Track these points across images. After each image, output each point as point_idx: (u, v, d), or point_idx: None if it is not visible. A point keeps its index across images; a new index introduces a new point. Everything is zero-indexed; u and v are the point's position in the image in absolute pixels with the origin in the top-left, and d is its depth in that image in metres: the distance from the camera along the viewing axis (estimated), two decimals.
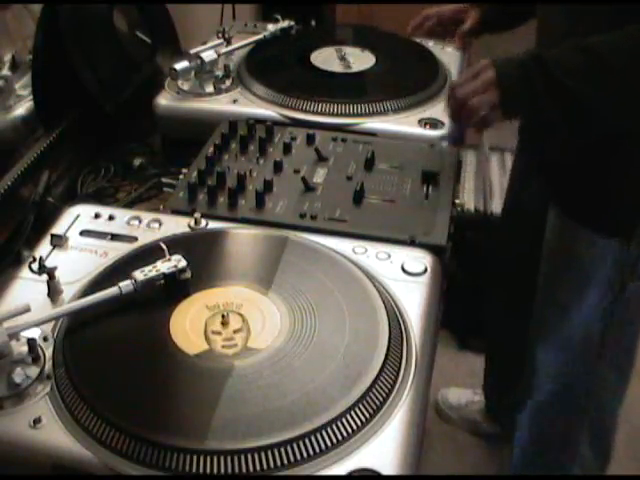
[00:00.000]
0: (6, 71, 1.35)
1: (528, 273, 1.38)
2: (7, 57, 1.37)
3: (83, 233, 0.97)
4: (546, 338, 1.35)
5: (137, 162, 1.29)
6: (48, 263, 0.87)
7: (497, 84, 1.06)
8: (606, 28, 1.01)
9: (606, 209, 1.18)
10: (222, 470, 0.67)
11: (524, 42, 1.42)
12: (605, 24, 1.02)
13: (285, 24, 1.51)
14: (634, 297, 1.24)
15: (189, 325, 0.81)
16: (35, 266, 0.88)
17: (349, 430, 0.70)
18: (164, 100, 1.28)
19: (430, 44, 1.50)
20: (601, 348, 1.29)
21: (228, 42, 1.41)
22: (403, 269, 0.91)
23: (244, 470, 0.67)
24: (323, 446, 0.69)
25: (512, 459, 1.59)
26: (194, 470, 0.67)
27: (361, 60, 1.40)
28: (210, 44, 1.35)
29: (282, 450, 0.68)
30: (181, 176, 1.10)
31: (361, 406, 0.72)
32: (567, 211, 1.24)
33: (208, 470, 0.67)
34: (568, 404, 1.37)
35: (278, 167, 1.11)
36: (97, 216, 1.00)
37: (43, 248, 0.94)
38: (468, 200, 1.87)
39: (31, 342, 0.77)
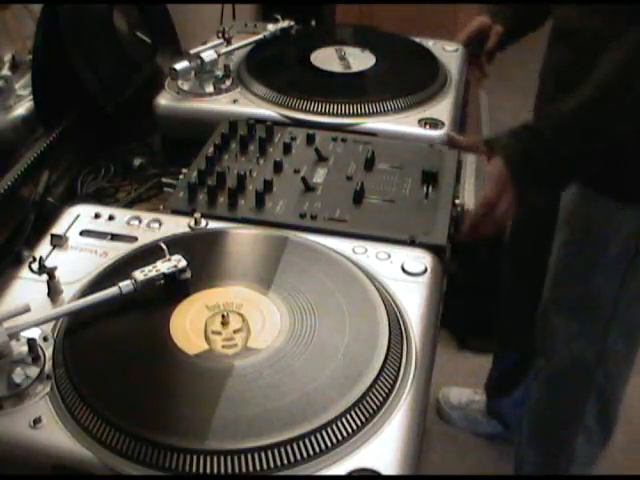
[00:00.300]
0: (6, 71, 1.35)
1: (539, 269, 1.39)
2: (7, 57, 1.37)
3: (83, 233, 0.97)
4: (561, 305, 1.37)
5: (137, 162, 1.28)
6: (48, 263, 0.87)
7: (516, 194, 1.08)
8: (619, 22, 1.01)
9: (624, 176, 1.19)
10: (222, 470, 0.67)
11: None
12: (618, 18, 1.03)
13: (285, 24, 1.51)
14: None
15: (189, 325, 0.81)
16: (35, 266, 0.88)
17: (349, 430, 0.70)
18: (164, 100, 1.28)
19: (430, 44, 1.50)
20: (613, 314, 1.31)
21: (228, 42, 1.41)
22: (403, 269, 0.91)
23: (244, 470, 0.67)
24: (323, 446, 0.69)
25: (519, 433, 1.60)
26: (194, 470, 0.67)
27: (361, 60, 1.40)
28: (210, 44, 1.35)
29: (282, 450, 0.68)
30: (181, 176, 1.10)
31: (361, 406, 0.72)
32: (586, 180, 1.24)
33: (208, 470, 0.67)
34: (578, 372, 1.39)
35: (278, 167, 1.11)
36: (97, 216, 1.00)
37: (43, 248, 0.94)
38: (468, 200, 1.87)
39: (31, 342, 0.77)
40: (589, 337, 1.36)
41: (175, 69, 1.28)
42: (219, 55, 1.33)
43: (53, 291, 0.86)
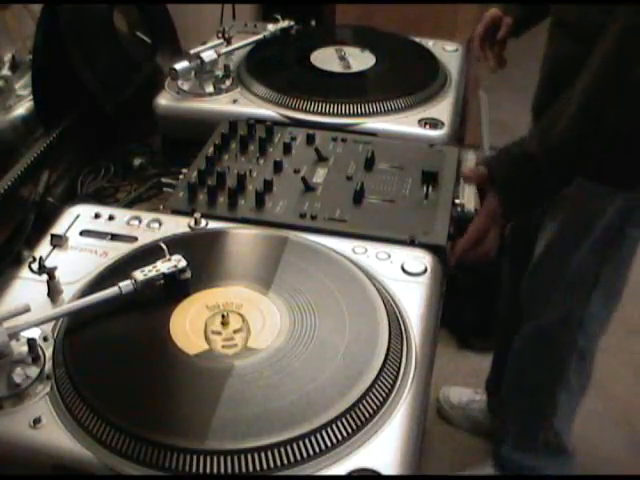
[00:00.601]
0: (6, 71, 1.35)
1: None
2: (7, 57, 1.37)
3: (83, 233, 0.97)
4: (546, 280, 1.43)
5: (137, 162, 1.29)
6: (48, 263, 0.87)
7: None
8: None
9: (611, 163, 1.21)
10: (222, 470, 0.67)
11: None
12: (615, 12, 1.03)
13: (285, 24, 1.51)
14: (628, 240, 1.34)
15: (189, 325, 0.81)
16: (35, 266, 0.88)
17: (349, 430, 0.70)
18: (164, 100, 1.28)
19: (430, 44, 1.50)
20: (594, 285, 1.38)
21: (228, 42, 1.41)
22: (403, 269, 0.91)
23: (244, 470, 0.67)
24: (323, 446, 0.69)
25: (503, 385, 1.64)
26: (194, 470, 0.67)
27: (361, 60, 1.40)
28: (210, 44, 1.35)
29: (282, 450, 0.68)
30: (181, 176, 1.10)
31: (361, 406, 0.72)
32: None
33: (208, 470, 0.67)
34: (562, 332, 1.47)
35: (278, 167, 1.11)
36: (97, 216, 1.00)
37: (43, 248, 0.94)
38: (468, 200, 1.87)
39: (31, 342, 0.77)
40: (571, 306, 1.43)
41: (175, 69, 1.28)
42: (219, 55, 1.33)
43: (53, 291, 0.86)
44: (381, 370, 0.75)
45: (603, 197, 1.27)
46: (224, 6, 2.19)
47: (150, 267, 0.85)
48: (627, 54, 1.00)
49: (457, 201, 1.09)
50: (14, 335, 0.77)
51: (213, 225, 0.99)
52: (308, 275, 0.88)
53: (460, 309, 1.87)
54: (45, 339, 0.80)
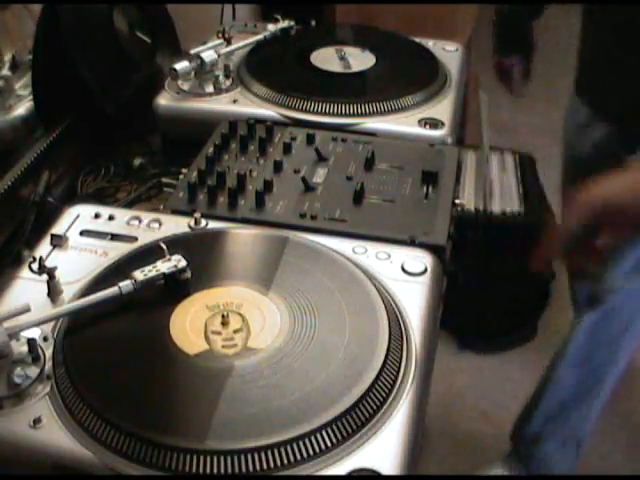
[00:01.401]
0: (6, 71, 1.35)
1: None
2: (7, 57, 1.37)
3: (83, 233, 0.97)
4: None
5: (137, 162, 1.29)
6: (48, 263, 0.87)
7: None
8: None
9: None
10: (222, 470, 0.67)
11: None
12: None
13: (285, 24, 1.51)
14: None
15: (189, 325, 0.81)
16: (35, 266, 0.88)
17: (349, 430, 0.70)
18: (164, 100, 1.28)
19: (430, 44, 1.50)
20: None
21: (228, 42, 1.41)
22: (403, 269, 0.91)
23: (244, 470, 0.67)
24: (323, 446, 0.69)
25: (565, 354, 1.68)
26: (194, 470, 0.67)
27: (361, 60, 1.40)
28: (210, 44, 1.35)
29: (282, 450, 0.68)
30: (181, 176, 1.10)
31: (361, 406, 0.72)
32: None
33: (208, 470, 0.67)
34: (616, 317, 1.54)
35: (278, 167, 1.11)
36: (97, 216, 1.00)
37: (43, 248, 0.94)
38: (468, 200, 1.87)
39: (31, 342, 0.77)
40: (624, 299, 1.52)
41: (175, 69, 1.28)
42: (219, 55, 1.33)
43: (53, 291, 0.86)
44: (381, 370, 0.75)
45: None
46: (224, 6, 2.19)
47: (150, 267, 0.85)
48: None
49: (457, 201, 1.09)
50: (14, 335, 0.77)
51: (213, 225, 0.99)
52: (308, 275, 0.88)
53: (460, 309, 1.86)
54: (45, 339, 0.80)
